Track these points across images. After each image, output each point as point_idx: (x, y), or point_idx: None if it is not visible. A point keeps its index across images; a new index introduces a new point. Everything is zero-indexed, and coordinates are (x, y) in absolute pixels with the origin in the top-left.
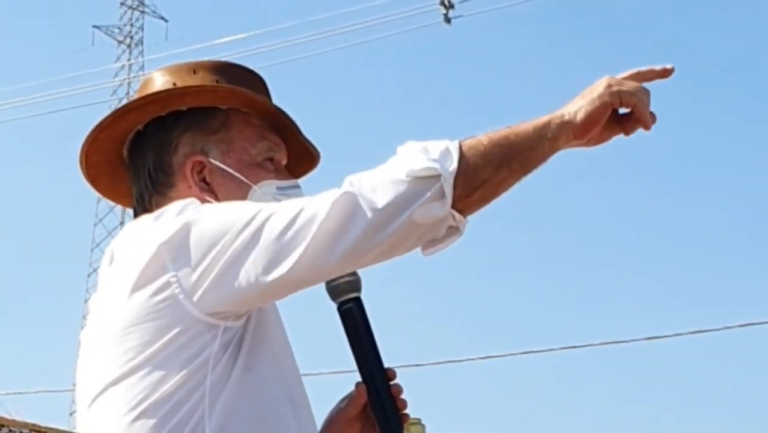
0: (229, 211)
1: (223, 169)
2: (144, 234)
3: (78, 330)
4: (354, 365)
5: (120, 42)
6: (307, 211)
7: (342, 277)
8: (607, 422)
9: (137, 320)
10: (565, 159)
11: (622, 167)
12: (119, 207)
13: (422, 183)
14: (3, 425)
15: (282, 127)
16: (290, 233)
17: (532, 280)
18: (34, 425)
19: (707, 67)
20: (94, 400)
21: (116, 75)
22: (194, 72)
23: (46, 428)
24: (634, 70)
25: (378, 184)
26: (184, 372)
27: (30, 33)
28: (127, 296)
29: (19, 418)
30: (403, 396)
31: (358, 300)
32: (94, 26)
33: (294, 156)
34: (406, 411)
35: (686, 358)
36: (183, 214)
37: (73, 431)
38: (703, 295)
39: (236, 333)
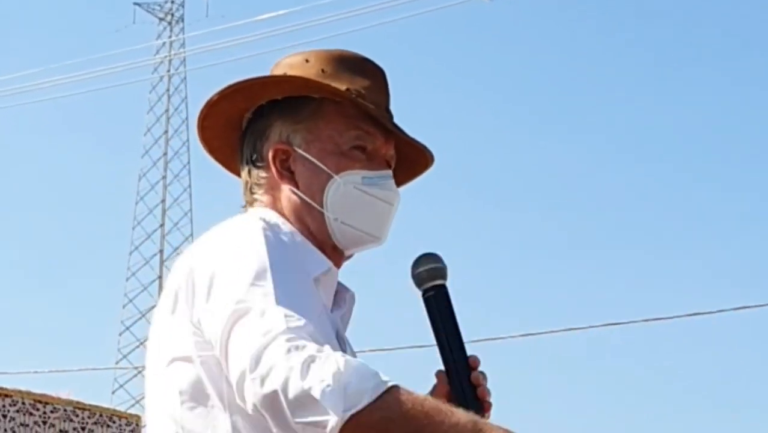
0: (239, 277)
1: (305, 158)
2: (193, 252)
3: (120, 310)
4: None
5: (161, 19)
6: (257, 342)
7: (424, 265)
8: (645, 401)
9: (175, 331)
10: (610, 138)
11: (666, 148)
12: (160, 185)
13: (316, 408)
14: (47, 402)
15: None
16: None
17: (571, 260)
18: (77, 402)
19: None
20: (161, 370)
21: (157, 52)
22: (306, 61)
23: (89, 405)
24: None
25: (311, 375)
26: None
27: (71, 11)
28: (171, 310)
29: (63, 396)
30: (488, 387)
31: (441, 288)
32: (135, 3)
33: (410, 151)
34: (489, 399)
35: (728, 336)
36: (221, 245)
37: (116, 408)
38: (746, 273)
39: None
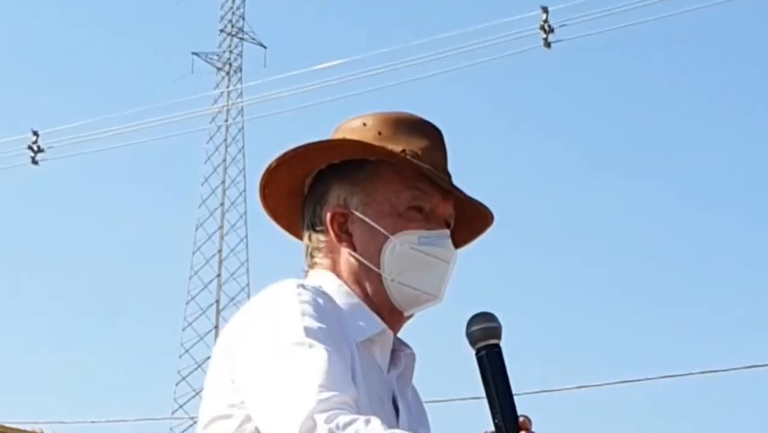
0: (274, 346)
1: (362, 220)
2: (235, 319)
3: (176, 360)
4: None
5: (219, 69)
6: (290, 410)
7: (477, 324)
8: None
9: (216, 391)
10: (668, 183)
11: (728, 193)
12: (217, 235)
13: None
14: None
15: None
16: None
17: (627, 309)
18: None
19: None
20: (203, 427)
21: (215, 102)
22: (364, 124)
23: None
24: None
25: None
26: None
27: (130, 60)
28: (215, 371)
29: None
30: None
31: (494, 347)
32: (193, 53)
33: (470, 209)
34: None
35: None
36: (262, 313)
37: None
38: None
39: None
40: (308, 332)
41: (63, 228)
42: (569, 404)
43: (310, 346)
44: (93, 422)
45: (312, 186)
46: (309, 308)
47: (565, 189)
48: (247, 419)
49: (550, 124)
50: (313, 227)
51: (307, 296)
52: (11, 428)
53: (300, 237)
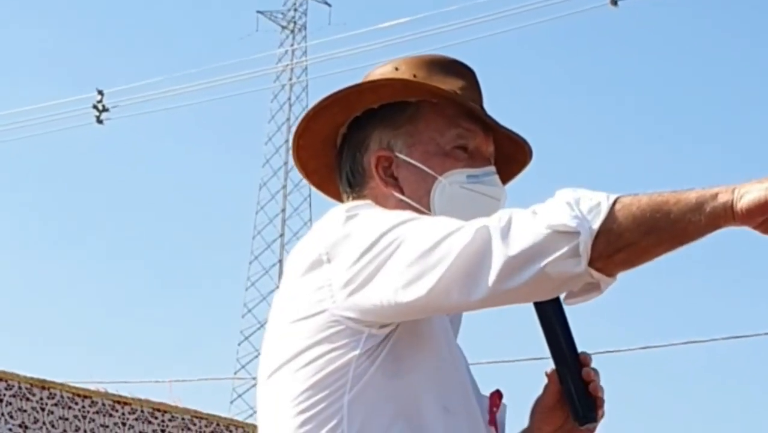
0: (383, 220)
1: (408, 162)
2: (314, 233)
3: (239, 319)
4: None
5: (284, 27)
6: (450, 238)
7: None
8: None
9: (300, 315)
10: (734, 143)
11: None
12: (280, 194)
13: (559, 238)
14: (166, 411)
15: (483, 118)
16: (431, 259)
17: (693, 271)
18: (195, 411)
19: None
20: (266, 380)
21: (279, 60)
22: (396, 69)
23: (207, 415)
24: None
25: (520, 230)
26: (324, 375)
27: (194, 19)
28: (295, 292)
29: (181, 405)
30: (601, 384)
31: None
32: (258, 12)
33: (508, 147)
34: (602, 395)
35: None
36: (345, 217)
37: (233, 418)
38: None
39: (383, 340)
40: (409, 213)
41: (127, 188)
42: (633, 365)
43: (421, 217)
44: (156, 382)
45: (347, 135)
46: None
47: (628, 146)
48: (339, 319)
49: (616, 83)
50: (353, 176)
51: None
52: (76, 387)
53: (331, 193)
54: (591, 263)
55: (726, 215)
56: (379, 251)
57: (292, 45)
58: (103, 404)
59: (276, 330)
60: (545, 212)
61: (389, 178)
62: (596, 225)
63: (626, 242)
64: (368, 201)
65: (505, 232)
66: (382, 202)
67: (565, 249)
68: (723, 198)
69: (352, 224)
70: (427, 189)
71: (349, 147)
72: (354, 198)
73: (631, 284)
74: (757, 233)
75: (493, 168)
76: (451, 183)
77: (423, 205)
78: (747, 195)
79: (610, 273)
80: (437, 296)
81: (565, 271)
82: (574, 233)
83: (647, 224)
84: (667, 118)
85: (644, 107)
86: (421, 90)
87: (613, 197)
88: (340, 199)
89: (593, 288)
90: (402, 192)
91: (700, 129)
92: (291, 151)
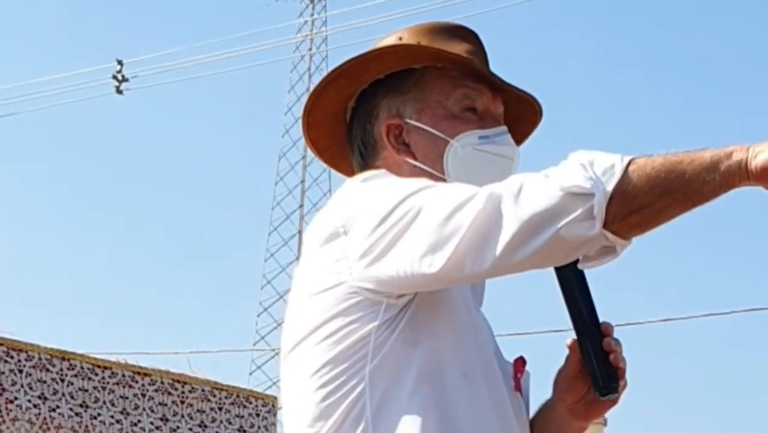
0: (397, 190)
1: (419, 128)
2: (331, 205)
3: (258, 291)
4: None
5: None
6: (463, 209)
7: None
8: None
9: (318, 288)
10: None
11: None
12: (300, 165)
13: (574, 200)
14: (186, 382)
15: (489, 78)
16: (445, 230)
17: (713, 243)
18: (215, 383)
19: None
20: (287, 355)
21: (299, 30)
22: (400, 38)
23: (227, 386)
24: None
25: (533, 194)
26: (344, 347)
27: None
28: (314, 265)
29: (201, 376)
30: (623, 354)
31: None
32: None
33: (517, 108)
34: (623, 366)
35: None
36: (360, 187)
37: (253, 389)
38: None
39: (401, 309)
40: (426, 180)
41: (147, 158)
42: (654, 337)
43: (435, 185)
44: (176, 353)
45: (355, 109)
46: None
47: (647, 111)
48: (358, 290)
49: (632, 44)
50: (365, 147)
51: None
52: (96, 359)
53: (343, 170)
54: (605, 226)
55: (741, 174)
56: (395, 221)
57: (312, 15)
58: (123, 375)
59: (296, 304)
60: (558, 174)
61: (401, 145)
62: (611, 187)
63: (641, 203)
64: (383, 170)
65: (518, 197)
66: (395, 170)
67: (579, 211)
68: (738, 156)
69: (367, 194)
70: (440, 153)
71: (359, 119)
72: (367, 170)
73: (653, 255)
74: None
75: (504, 128)
76: (463, 145)
77: (437, 169)
78: (761, 154)
79: (625, 236)
80: (452, 267)
81: (580, 234)
82: (589, 195)
83: (662, 185)
84: (680, 78)
85: (656, 68)
86: (425, 54)
87: (627, 159)
88: (353, 175)
89: (609, 252)
90: (415, 158)
91: (711, 88)
92: (302, 129)
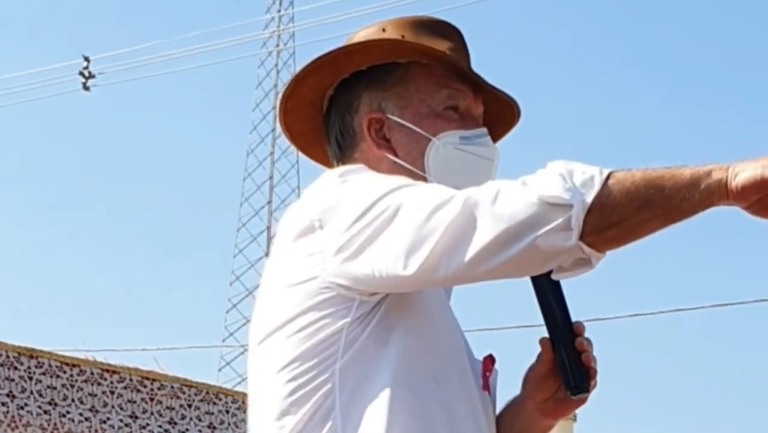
0: (375, 187)
1: (401, 124)
2: (307, 198)
3: (227, 287)
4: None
5: None
6: (439, 212)
7: None
8: (755, 383)
9: (291, 281)
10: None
11: None
12: (268, 161)
13: (552, 210)
14: (155, 379)
15: (472, 79)
16: (420, 234)
17: (681, 238)
18: (184, 380)
19: None
20: (257, 346)
21: (266, 26)
22: (383, 30)
23: (196, 383)
24: None
25: (510, 202)
26: (315, 342)
27: None
28: (287, 258)
29: (170, 373)
30: (594, 353)
31: None
32: None
33: (496, 109)
34: (594, 366)
35: None
36: (339, 181)
37: (222, 386)
38: None
39: (374, 307)
40: (403, 178)
41: (114, 154)
42: (622, 333)
43: (413, 184)
44: (144, 349)
45: (334, 98)
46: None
47: (624, 110)
48: (330, 285)
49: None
50: (343, 138)
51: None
52: (64, 356)
53: (316, 158)
54: (582, 238)
55: (720, 193)
56: (372, 219)
57: (279, 11)
58: (92, 373)
59: (267, 296)
60: (537, 183)
61: (381, 140)
62: (589, 198)
63: (619, 217)
64: (361, 165)
65: (494, 203)
66: (374, 164)
67: (557, 221)
68: (717, 175)
69: (344, 189)
70: (421, 151)
71: (338, 109)
72: (344, 161)
73: (621, 251)
74: (747, 214)
75: (484, 129)
76: (444, 144)
77: (417, 167)
78: (742, 173)
79: (601, 249)
80: (426, 271)
81: (556, 244)
82: (567, 206)
83: (640, 199)
84: (664, 78)
85: (642, 63)
86: (412, 51)
87: (606, 171)
88: (326, 164)
89: (584, 263)
90: (395, 154)
91: (696, 90)
92: (278, 115)
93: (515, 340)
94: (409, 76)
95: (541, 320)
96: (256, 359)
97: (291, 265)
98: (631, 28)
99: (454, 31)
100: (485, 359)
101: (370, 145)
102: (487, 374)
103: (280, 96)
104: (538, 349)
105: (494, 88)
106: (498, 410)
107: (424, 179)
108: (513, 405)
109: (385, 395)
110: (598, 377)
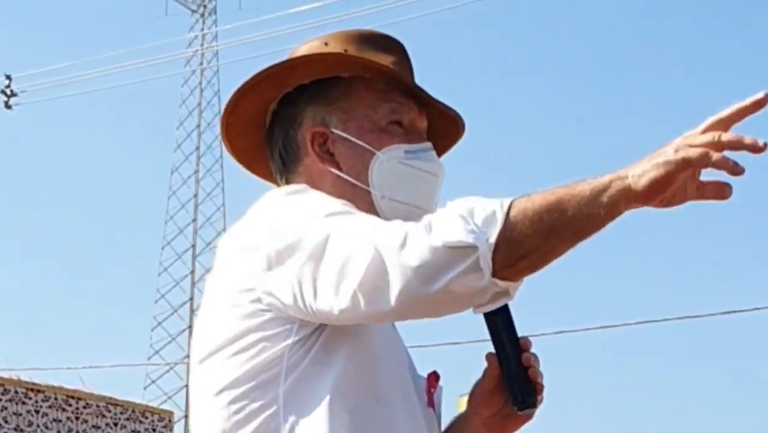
0: (312, 212)
1: (345, 138)
2: (248, 219)
3: (152, 305)
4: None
5: (193, 11)
6: (358, 253)
7: None
8: (683, 400)
9: (232, 301)
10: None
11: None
12: (193, 179)
13: (458, 254)
14: (80, 398)
15: (416, 93)
16: (345, 274)
17: (608, 255)
18: (110, 398)
19: None
20: (197, 365)
21: (189, 45)
22: (326, 44)
23: (122, 401)
24: (716, 117)
25: (418, 248)
26: (257, 364)
27: (104, 2)
28: (228, 277)
29: (95, 391)
30: (541, 369)
31: None
32: None
33: (439, 123)
34: (541, 381)
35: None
36: (279, 203)
37: (148, 404)
38: None
39: (315, 329)
40: (339, 205)
41: (38, 172)
42: (548, 349)
43: (350, 212)
44: (69, 368)
45: (277, 113)
46: (325, 196)
47: (555, 127)
48: (269, 298)
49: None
50: (286, 152)
51: (315, 192)
52: None
53: (259, 173)
54: (495, 274)
55: (627, 199)
56: (303, 251)
57: (202, 29)
58: (16, 392)
59: (208, 315)
60: (439, 228)
61: (325, 154)
62: (493, 238)
63: (527, 248)
64: (303, 184)
65: (402, 251)
66: (317, 179)
67: (464, 265)
68: (618, 185)
69: (286, 212)
70: (365, 164)
71: (281, 124)
72: (287, 175)
73: (546, 269)
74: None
75: (429, 144)
76: (389, 158)
77: (361, 181)
78: (644, 176)
79: (516, 279)
80: (349, 313)
81: (470, 285)
82: (472, 247)
83: (545, 227)
84: (587, 94)
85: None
86: (355, 65)
87: (507, 203)
88: (269, 179)
89: (503, 295)
90: (339, 168)
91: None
92: (220, 130)
93: (461, 355)
94: (352, 90)
95: (487, 335)
96: (198, 378)
97: (232, 284)
98: (556, 49)
99: (397, 45)
100: (429, 375)
101: (314, 159)
102: (432, 390)
103: (222, 111)
104: (485, 364)
105: (438, 102)
106: (443, 427)
107: (368, 194)
108: (458, 422)
109: (326, 419)
110: (545, 393)
